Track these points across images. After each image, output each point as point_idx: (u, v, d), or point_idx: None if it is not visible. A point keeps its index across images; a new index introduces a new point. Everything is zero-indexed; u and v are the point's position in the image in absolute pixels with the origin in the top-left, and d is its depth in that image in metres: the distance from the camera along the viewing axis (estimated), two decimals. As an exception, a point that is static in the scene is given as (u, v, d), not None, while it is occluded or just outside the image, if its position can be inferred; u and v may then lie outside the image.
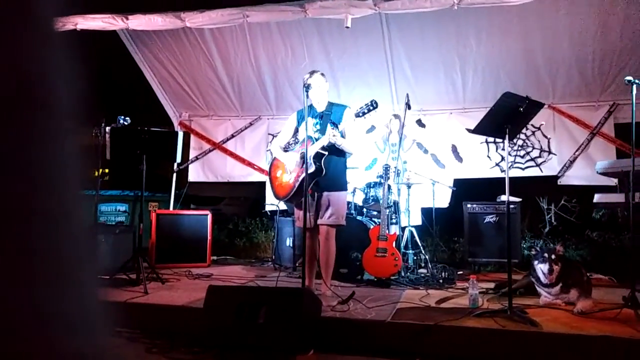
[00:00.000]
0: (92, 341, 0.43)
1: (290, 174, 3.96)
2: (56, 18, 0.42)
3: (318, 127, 3.93)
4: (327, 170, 3.83)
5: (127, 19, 5.19)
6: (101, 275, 0.45)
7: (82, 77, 0.43)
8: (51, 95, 0.41)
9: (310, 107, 4.00)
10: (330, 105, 4.04)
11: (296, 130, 4.16)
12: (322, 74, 3.99)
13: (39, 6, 0.41)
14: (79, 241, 0.43)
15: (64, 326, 0.40)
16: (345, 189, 4.12)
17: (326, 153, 3.81)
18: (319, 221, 3.96)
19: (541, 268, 3.63)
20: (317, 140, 3.83)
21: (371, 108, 3.73)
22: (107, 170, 6.04)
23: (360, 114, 3.79)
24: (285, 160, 4.02)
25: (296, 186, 3.87)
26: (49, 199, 0.40)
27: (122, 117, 4.70)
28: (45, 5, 0.42)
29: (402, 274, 4.72)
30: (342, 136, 3.88)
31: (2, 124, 0.37)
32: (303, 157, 3.77)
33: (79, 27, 5.02)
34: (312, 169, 3.73)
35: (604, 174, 5.00)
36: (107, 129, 4.53)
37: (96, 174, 4.94)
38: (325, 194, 3.93)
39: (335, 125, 3.86)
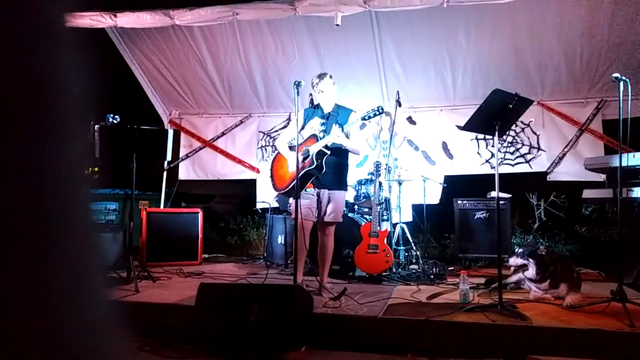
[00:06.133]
0: (106, 342, 0.43)
1: (291, 168, 4.05)
2: (66, 16, 0.42)
3: (323, 127, 4.02)
4: (329, 169, 3.91)
5: (115, 16, 5.14)
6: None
7: (88, 76, 0.43)
8: (60, 95, 0.41)
9: (318, 106, 4.14)
10: (337, 107, 4.15)
11: (302, 128, 4.21)
12: (331, 76, 4.08)
13: (48, 4, 0.41)
14: (89, 241, 0.43)
15: (78, 328, 0.40)
16: (345, 189, 4.23)
17: (328, 152, 3.88)
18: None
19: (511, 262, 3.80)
20: (322, 139, 3.91)
21: (377, 113, 3.91)
22: (96, 169, 5.98)
23: (367, 117, 3.95)
24: (288, 156, 4.11)
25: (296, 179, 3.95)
26: (58, 200, 0.40)
27: (112, 115, 4.66)
28: (54, 3, 0.41)
29: (394, 270, 4.74)
30: (347, 137, 3.98)
31: (11, 124, 0.37)
32: (305, 154, 3.88)
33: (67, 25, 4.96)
34: (313, 165, 3.82)
35: (592, 169, 5.06)
36: (96, 127, 4.50)
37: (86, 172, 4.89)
38: (326, 191, 4.01)
39: (341, 126, 3.94)
